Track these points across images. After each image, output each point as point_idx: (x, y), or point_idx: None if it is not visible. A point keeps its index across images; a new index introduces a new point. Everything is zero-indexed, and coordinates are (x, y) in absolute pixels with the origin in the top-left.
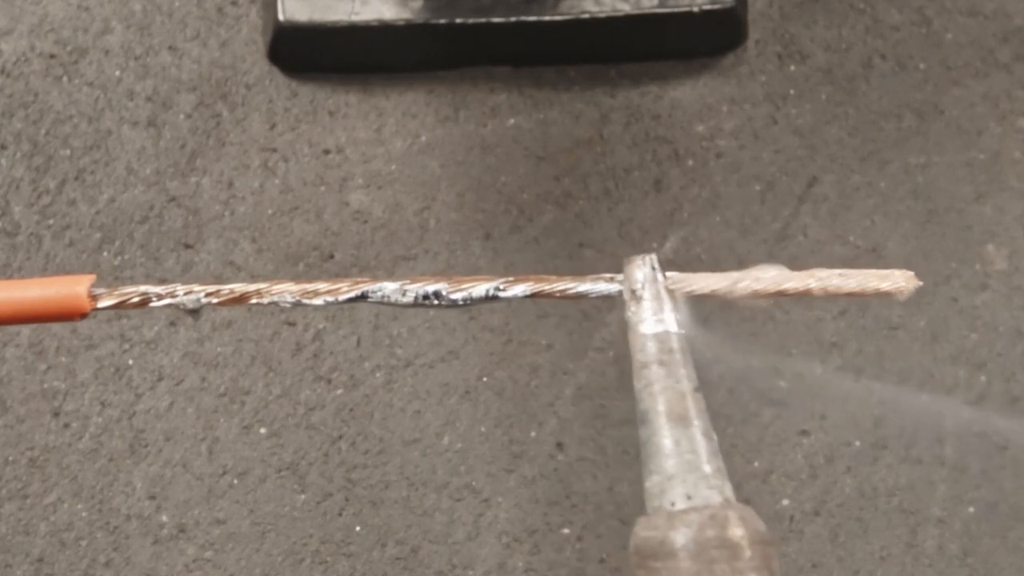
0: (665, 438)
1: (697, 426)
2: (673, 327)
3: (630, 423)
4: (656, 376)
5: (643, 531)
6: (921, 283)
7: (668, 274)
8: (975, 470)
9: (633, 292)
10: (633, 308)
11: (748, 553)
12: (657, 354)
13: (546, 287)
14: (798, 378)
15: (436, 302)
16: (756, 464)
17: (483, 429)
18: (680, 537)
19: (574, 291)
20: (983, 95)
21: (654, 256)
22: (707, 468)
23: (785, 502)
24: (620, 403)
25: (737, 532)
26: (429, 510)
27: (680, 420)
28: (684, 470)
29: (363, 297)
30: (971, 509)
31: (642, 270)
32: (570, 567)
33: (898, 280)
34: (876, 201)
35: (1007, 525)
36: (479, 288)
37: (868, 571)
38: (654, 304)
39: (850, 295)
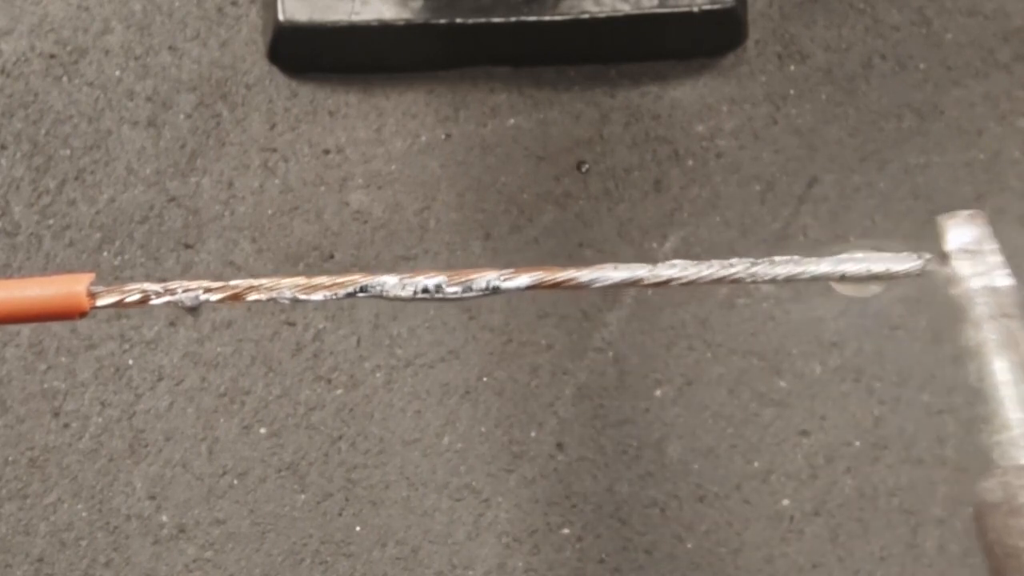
0: (1016, 393)
1: None
2: (1009, 281)
3: (630, 423)
4: (1000, 329)
5: (995, 487)
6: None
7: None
8: (975, 470)
9: (962, 248)
10: (966, 264)
11: None
12: (996, 309)
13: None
14: (798, 378)
15: (436, 295)
16: (756, 464)
17: (483, 429)
18: None
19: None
20: (983, 95)
21: (982, 213)
22: None
23: (785, 502)
24: (620, 403)
25: None
26: (429, 510)
27: None
28: None
29: (363, 291)
30: (971, 509)
31: (973, 222)
32: (570, 567)
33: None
34: (876, 201)
35: None
36: (480, 280)
37: (868, 571)
38: (987, 259)
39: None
